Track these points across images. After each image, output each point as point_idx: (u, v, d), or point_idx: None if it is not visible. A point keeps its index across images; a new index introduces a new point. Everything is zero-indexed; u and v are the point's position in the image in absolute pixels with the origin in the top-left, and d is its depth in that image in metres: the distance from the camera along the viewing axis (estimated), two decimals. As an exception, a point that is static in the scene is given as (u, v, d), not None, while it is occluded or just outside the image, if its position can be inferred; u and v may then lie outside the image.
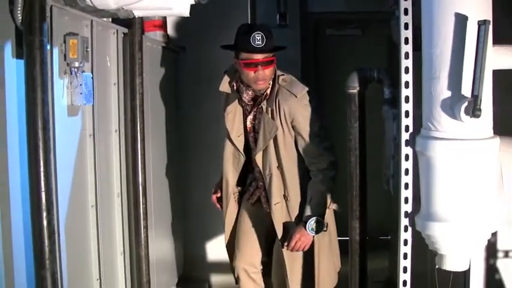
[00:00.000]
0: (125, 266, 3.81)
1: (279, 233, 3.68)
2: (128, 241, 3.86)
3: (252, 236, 3.90)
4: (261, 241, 3.91)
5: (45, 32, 2.37)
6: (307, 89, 3.57)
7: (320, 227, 3.58)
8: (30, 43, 2.34)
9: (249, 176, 3.88)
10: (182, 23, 5.04)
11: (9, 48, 2.46)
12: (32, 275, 2.42)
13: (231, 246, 3.96)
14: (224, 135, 3.79)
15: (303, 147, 3.60)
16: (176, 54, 5.06)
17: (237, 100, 3.69)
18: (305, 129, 3.56)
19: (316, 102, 3.61)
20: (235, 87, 3.66)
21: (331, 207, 3.71)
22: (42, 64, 2.33)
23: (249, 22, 5.22)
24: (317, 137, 3.59)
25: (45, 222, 2.34)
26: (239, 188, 3.91)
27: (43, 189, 2.33)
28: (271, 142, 3.59)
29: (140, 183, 3.81)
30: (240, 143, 3.73)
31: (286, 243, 3.64)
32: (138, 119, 3.78)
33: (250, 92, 3.61)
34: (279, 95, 3.55)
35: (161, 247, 4.59)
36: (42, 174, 2.33)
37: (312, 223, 3.56)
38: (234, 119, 3.70)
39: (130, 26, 3.74)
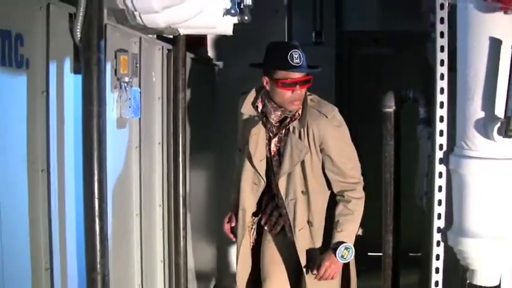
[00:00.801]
0: (164, 273, 3.89)
1: (303, 260, 3.44)
2: (168, 250, 3.94)
3: (280, 266, 3.59)
4: (290, 273, 3.59)
5: (101, 49, 2.47)
6: (336, 109, 3.40)
7: (349, 253, 3.37)
8: (88, 59, 2.43)
9: (269, 206, 3.60)
10: (221, 40, 5.16)
11: (67, 64, 2.59)
12: (83, 277, 2.53)
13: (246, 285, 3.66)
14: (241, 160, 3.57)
15: (331, 170, 3.39)
16: (215, 70, 5.19)
17: (260, 122, 3.45)
18: (334, 151, 3.36)
19: (344, 122, 3.43)
20: (259, 108, 3.45)
21: (357, 232, 3.53)
22: (98, 79, 2.43)
23: (286, 39, 5.34)
24: (346, 160, 3.40)
25: (97, 228, 2.45)
26: (254, 217, 3.62)
27: (97, 196, 2.43)
28: (298, 165, 3.38)
29: (181, 194, 3.90)
30: (262, 167, 3.47)
31: (315, 272, 3.40)
32: (180, 132, 3.88)
33: (279, 113, 3.37)
34: (307, 115, 3.33)
35: (197, 257, 4.67)
36: (96, 183, 2.42)
37: (342, 250, 3.33)
38: (258, 142, 3.44)
39: (175, 42, 3.83)
